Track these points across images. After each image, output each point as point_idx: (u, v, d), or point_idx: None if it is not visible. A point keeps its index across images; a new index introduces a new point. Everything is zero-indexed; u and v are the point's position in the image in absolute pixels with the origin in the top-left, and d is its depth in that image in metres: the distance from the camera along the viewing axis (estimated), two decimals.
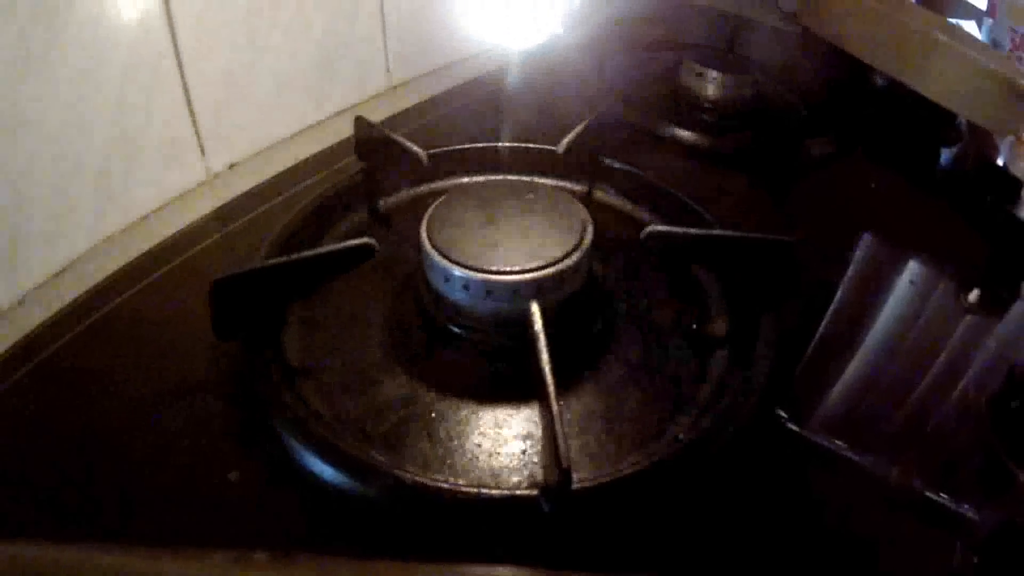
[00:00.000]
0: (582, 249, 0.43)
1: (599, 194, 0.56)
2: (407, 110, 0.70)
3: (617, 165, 0.56)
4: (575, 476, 0.33)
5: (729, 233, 0.48)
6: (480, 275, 0.41)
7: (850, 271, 0.54)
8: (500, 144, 0.57)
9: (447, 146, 0.56)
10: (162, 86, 0.53)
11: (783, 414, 0.42)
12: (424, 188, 0.56)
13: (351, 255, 0.45)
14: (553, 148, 0.56)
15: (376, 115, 0.63)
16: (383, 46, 0.70)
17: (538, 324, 0.39)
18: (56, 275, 0.49)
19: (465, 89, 0.73)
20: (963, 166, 0.69)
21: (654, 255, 0.48)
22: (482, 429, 0.39)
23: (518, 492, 0.35)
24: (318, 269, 0.45)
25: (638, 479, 0.35)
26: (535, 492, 0.34)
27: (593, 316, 0.46)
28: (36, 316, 0.46)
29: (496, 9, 0.66)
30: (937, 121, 0.67)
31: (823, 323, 0.49)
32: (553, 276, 0.41)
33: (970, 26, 0.79)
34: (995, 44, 0.74)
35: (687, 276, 0.49)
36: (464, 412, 0.40)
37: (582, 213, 0.45)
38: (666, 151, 0.65)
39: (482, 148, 0.57)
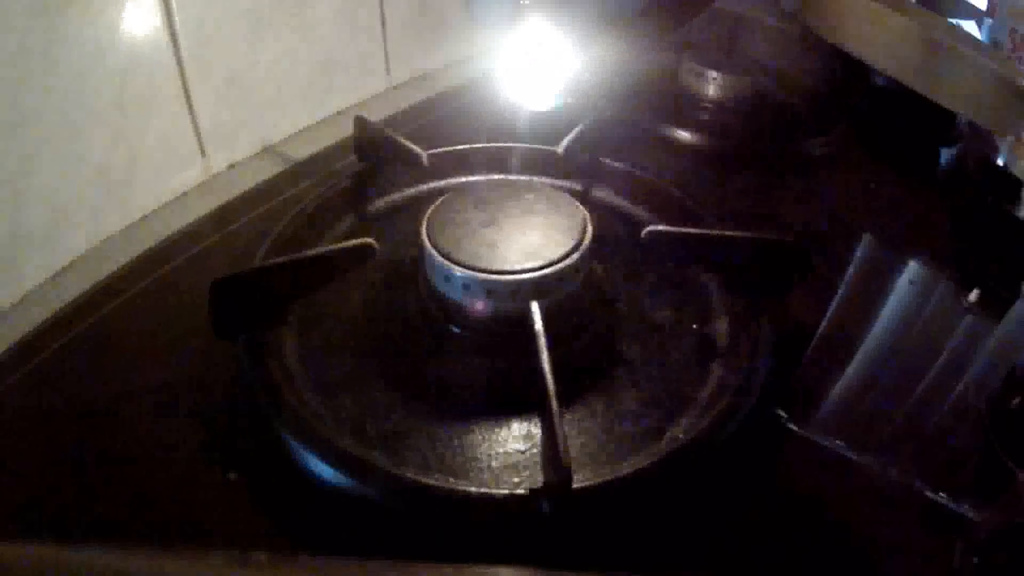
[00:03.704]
0: (582, 249, 0.43)
1: (599, 194, 0.56)
2: (407, 110, 0.70)
3: (617, 165, 0.56)
4: (575, 476, 0.33)
5: (729, 233, 0.48)
6: (480, 275, 0.41)
7: (850, 271, 0.54)
8: (500, 144, 0.57)
9: (447, 146, 0.56)
10: (162, 86, 0.53)
11: (783, 414, 0.42)
12: (424, 188, 0.56)
13: (351, 255, 0.45)
14: (553, 148, 0.56)
15: (376, 115, 0.63)
16: (383, 46, 0.70)
17: (538, 324, 0.39)
18: (56, 275, 0.49)
19: (465, 89, 0.73)
20: (963, 166, 0.69)
21: (654, 255, 0.48)
22: (482, 429, 0.39)
23: (518, 492, 0.35)
24: (318, 269, 0.45)
25: (638, 479, 0.35)
26: (535, 492, 0.34)
27: (593, 316, 0.46)
28: (36, 316, 0.46)
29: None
30: (937, 121, 0.67)
31: (823, 323, 0.49)
32: (553, 276, 0.41)
33: (970, 26, 0.78)
34: (995, 44, 0.74)
35: (687, 276, 0.49)
36: (464, 412, 0.40)
37: (582, 213, 0.45)
38: (666, 151, 0.65)
39: (482, 148, 0.57)
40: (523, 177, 0.56)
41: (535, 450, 0.38)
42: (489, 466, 0.37)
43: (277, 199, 0.57)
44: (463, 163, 0.56)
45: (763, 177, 0.63)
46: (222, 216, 0.55)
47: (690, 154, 0.65)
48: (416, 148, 0.54)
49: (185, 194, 0.57)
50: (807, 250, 0.45)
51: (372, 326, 0.45)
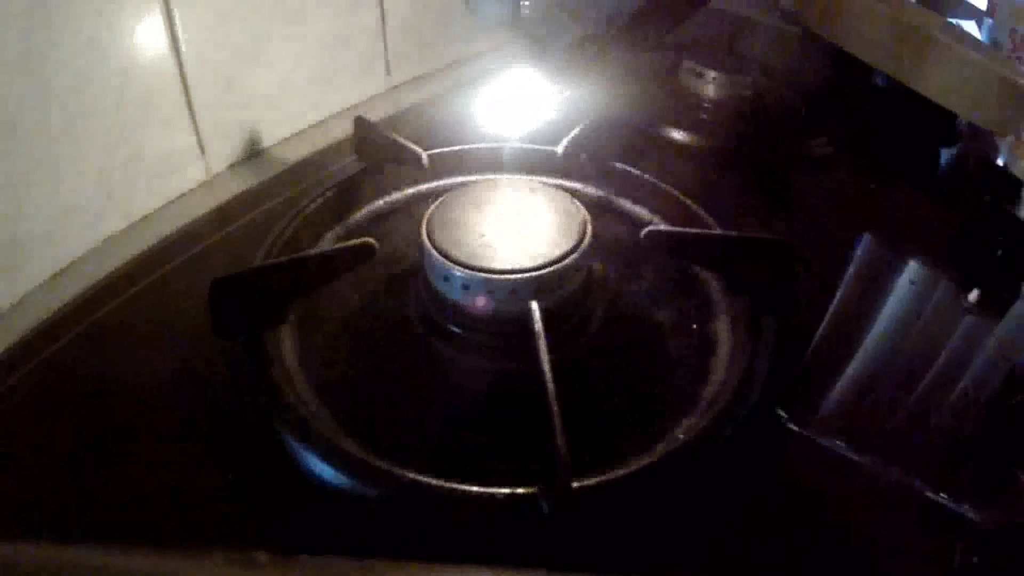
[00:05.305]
0: (582, 249, 0.43)
1: (599, 194, 0.56)
2: (407, 110, 0.70)
3: (617, 165, 0.56)
4: (575, 476, 0.33)
5: (729, 233, 0.48)
6: (480, 275, 0.41)
7: (850, 271, 0.54)
8: (500, 144, 0.57)
9: (447, 146, 0.56)
10: (162, 86, 0.53)
11: (783, 414, 0.42)
12: (424, 188, 0.56)
13: (351, 255, 0.45)
14: (553, 148, 0.56)
15: (376, 115, 0.63)
16: (383, 46, 0.70)
17: (538, 324, 0.39)
18: (56, 275, 0.49)
19: (465, 89, 0.73)
20: (963, 166, 0.69)
21: (654, 255, 0.48)
22: (482, 429, 0.39)
23: (518, 492, 0.34)
24: (318, 269, 0.45)
25: (638, 479, 0.35)
26: (535, 492, 0.34)
27: (593, 316, 0.46)
28: (36, 316, 0.46)
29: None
30: (937, 121, 0.67)
31: (823, 323, 0.49)
32: (553, 276, 0.41)
33: (970, 26, 0.78)
34: (995, 44, 0.74)
35: (687, 276, 0.49)
36: (464, 412, 0.40)
37: (582, 213, 0.45)
38: (666, 151, 0.65)
39: (482, 148, 0.57)
40: (523, 177, 0.56)
41: (535, 450, 0.38)
42: (489, 466, 0.37)
43: (277, 199, 0.57)
44: (463, 163, 0.56)
45: (763, 177, 0.63)
46: (222, 216, 0.55)
47: (690, 154, 0.65)
48: (416, 148, 0.53)
49: (185, 194, 0.57)
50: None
51: (372, 326, 0.45)
